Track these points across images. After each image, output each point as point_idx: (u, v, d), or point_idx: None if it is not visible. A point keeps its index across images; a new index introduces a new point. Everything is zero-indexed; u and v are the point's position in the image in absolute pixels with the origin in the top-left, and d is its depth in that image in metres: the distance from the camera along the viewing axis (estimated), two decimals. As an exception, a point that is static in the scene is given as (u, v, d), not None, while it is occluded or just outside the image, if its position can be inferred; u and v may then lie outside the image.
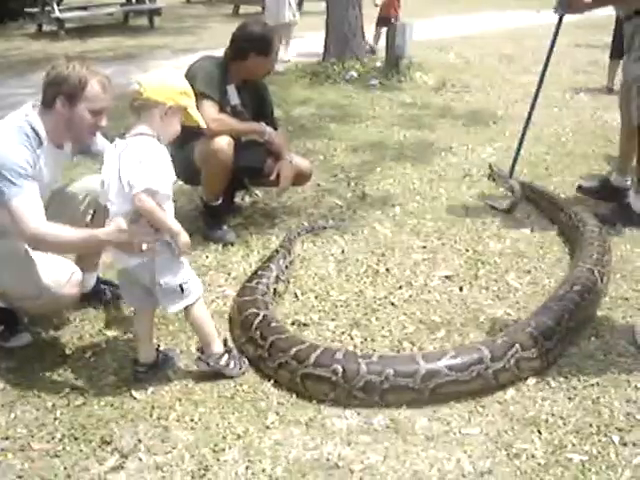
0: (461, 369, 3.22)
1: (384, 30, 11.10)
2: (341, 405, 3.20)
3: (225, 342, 3.43)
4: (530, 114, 5.60)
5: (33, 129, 3.30)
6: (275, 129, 5.00)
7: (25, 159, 3.21)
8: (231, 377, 3.36)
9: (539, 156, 6.47)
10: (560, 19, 5.26)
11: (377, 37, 12.09)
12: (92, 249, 3.70)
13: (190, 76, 4.65)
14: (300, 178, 5.09)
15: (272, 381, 3.38)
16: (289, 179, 4.91)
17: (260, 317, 3.60)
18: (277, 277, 4.17)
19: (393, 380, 3.17)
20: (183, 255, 3.24)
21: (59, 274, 3.39)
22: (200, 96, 4.53)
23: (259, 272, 4.16)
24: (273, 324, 3.58)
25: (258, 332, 3.51)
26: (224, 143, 4.53)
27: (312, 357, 3.26)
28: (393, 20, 11.68)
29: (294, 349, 3.33)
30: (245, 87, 4.91)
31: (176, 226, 3.18)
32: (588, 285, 3.91)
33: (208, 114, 4.52)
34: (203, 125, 3.40)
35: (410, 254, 4.69)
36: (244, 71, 4.82)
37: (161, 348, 3.52)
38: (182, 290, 3.22)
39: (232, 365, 3.37)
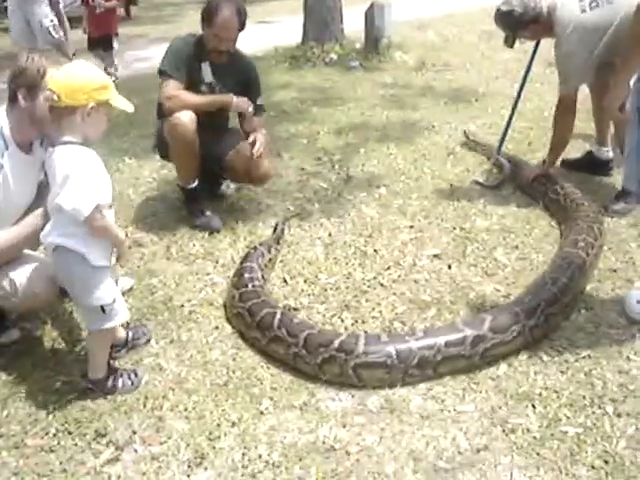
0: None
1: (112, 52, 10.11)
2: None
3: (109, 364, 3.26)
4: (520, 91, 5.62)
5: None
6: (259, 114, 4.98)
7: None
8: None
9: (522, 132, 6.46)
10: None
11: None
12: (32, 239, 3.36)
13: (164, 55, 4.67)
14: (257, 176, 4.96)
15: (265, 366, 3.38)
16: (260, 148, 4.76)
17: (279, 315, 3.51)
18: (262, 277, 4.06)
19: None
20: (119, 263, 3.16)
21: (33, 272, 3.31)
22: (161, 75, 4.60)
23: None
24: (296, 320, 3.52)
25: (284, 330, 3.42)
26: (184, 118, 4.51)
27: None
28: (115, 38, 10.34)
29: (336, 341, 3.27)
30: (229, 67, 4.81)
31: (122, 235, 3.12)
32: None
33: (163, 92, 4.58)
34: (129, 110, 3.06)
35: (397, 234, 4.69)
36: (206, 45, 4.73)
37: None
38: (103, 311, 3.05)
39: (121, 384, 3.23)
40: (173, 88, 4.59)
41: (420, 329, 3.56)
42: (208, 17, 4.64)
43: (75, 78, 2.91)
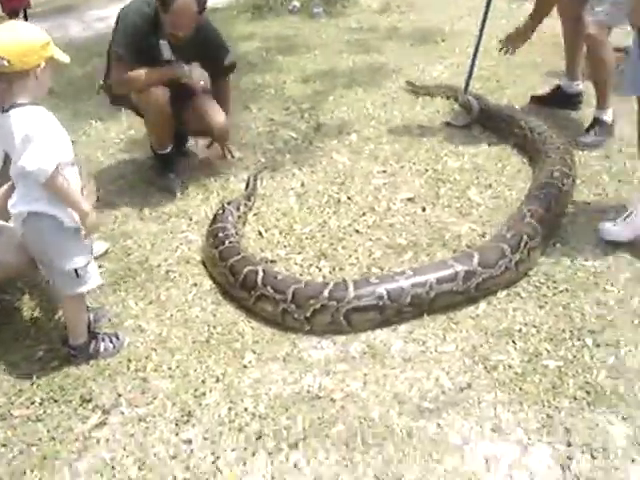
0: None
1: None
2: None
3: (89, 327, 3.25)
4: (482, 29, 5.56)
5: None
6: (225, 74, 4.94)
7: None
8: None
9: (489, 69, 6.40)
10: None
11: None
12: None
13: (116, 27, 4.46)
14: (214, 128, 4.85)
15: (246, 320, 3.39)
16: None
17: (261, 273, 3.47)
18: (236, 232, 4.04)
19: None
20: (88, 237, 3.07)
21: (2, 242, 3.26)
22: (113, 55, 4.46)
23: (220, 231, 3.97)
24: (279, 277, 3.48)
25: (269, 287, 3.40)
26: (158, 94, 4.44)
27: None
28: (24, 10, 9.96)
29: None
30: (188, 41, 4.49)
31: (86, 206, 2.99)
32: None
33: (113, 78, 4.53)
34: (66, 60, 2.97)
35: (370, 180, 4.67)
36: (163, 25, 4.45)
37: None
38: (77, 275, 3.04)
39: (103, 348, 3.23)
40: (120, 72, 4.44)
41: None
42: (164, 1, 4.29)
43: (22, 40, 2.84)
